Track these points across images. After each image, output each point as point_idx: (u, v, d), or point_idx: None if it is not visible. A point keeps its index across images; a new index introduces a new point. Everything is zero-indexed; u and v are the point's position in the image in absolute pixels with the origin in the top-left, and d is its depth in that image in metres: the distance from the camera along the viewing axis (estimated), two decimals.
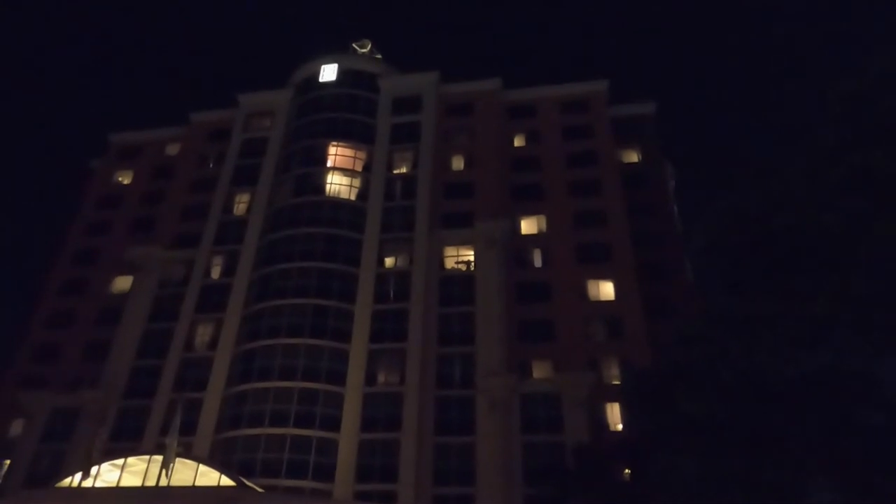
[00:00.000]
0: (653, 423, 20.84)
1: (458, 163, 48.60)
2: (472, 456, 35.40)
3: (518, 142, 50.07)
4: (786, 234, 15.02)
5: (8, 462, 40.71)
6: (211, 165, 53.12)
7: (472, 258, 42.83)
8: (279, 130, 52.31)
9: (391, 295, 41.63)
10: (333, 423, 37.00)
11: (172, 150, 56.22)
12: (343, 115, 50.07)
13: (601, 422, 36.06)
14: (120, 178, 55.82)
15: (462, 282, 41.89)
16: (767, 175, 17.17)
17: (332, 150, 48.33)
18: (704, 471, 16.10)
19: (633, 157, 49.68)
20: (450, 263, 43.20)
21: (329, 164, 47.66)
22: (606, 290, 41.05)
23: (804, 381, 14.23)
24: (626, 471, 27.92)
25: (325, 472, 35.39)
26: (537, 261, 43.19)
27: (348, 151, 48.49)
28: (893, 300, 13.12)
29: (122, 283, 48.10)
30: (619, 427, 35.57)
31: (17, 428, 42.67)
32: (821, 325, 13.95)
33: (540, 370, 38.75)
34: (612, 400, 36.02)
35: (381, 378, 38.92)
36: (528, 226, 45.10)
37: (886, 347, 13.52)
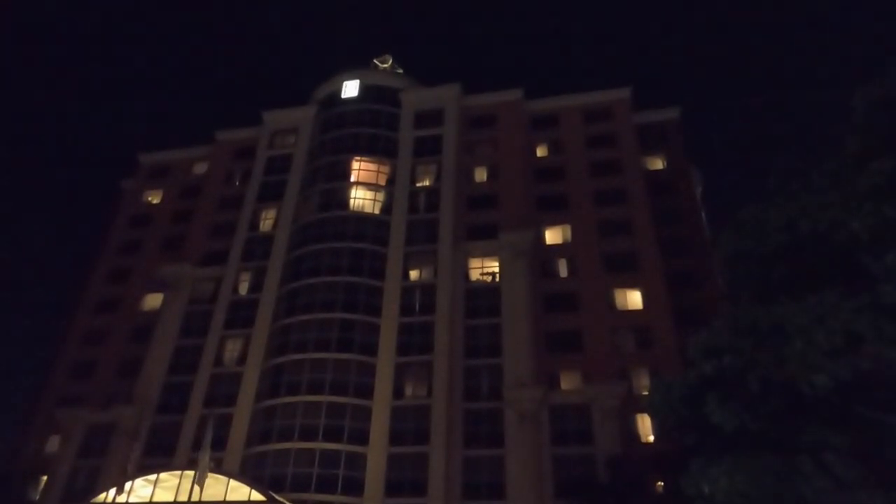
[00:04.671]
0: (683, 435, 20.43)
1: (481, 174, 48.63)
2: (502, 469, 35.05)
3: (541, 152, 49.94)
4: (813, 242, 14.71)
5: (45, 478, 41.52)
6: (237, 183, 54.00)
7: (497, 269, 42.68)
8: (303, 147, 52.98)
9: (417, 307, 41.65)
10: (362, 437, 37.01)
11: (200, 168, 57.33)
12: (366, 130, 50.56)
13: (632, 434, 35.45)
14: (149, 198, 57.03)
15: (488, 293, 41.74)
16: (794, 182, 16.86)
17: (355, 164, 48.78)
18: (738, 484, 15.72)
19: (658, 164, 49.18)
20: (475, 275, 43.11)
21: (353, 178, 48.10)
22: (634, 299, 40.51)
23: (839, 391, 13.84)
24: (659, 483, 27.42)
25: (355, 486, 35.36)
26: (563, 271, 42.85)
27: (371, 166, 48.90)
28: None
29: (153, 300, 48.97)
30: (651, 439, 34.94)
31: (53, 444, 43.55)
32: (850, 335, 13.58)
33: (568, 381, 38.29)
34: (643, 411, 35.40)
35: (408, 391, 38.86)
36: (553, 236, 44.82)
37: None
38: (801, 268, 15.20)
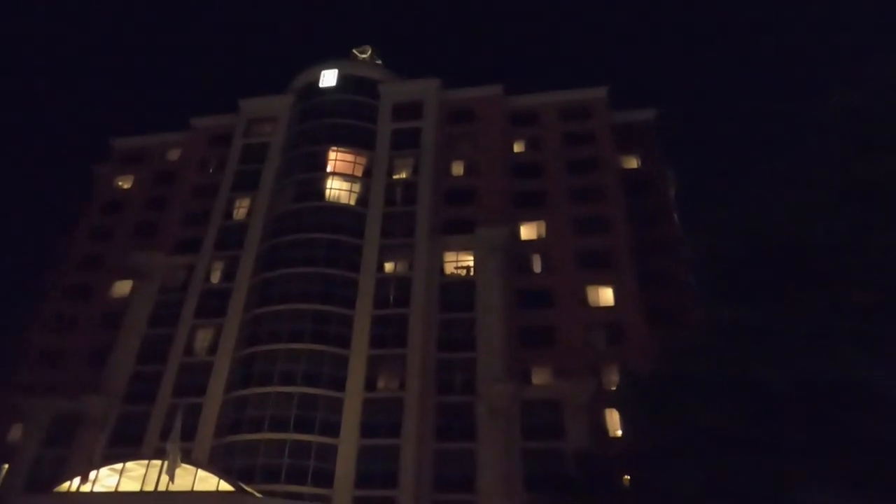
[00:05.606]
0: (653, 431, 20.80)
1: (458, 169, 48.68)
2: (473, 462, 35.25)
3: (519, 148, 50.16)
4: (786, 244, 15.04)
5: (6, 466, 40.68)
6: (212, 171, 53.28)
7: (472, 264, 42.84)
8: (280, 136, 52.47)
9: (391, 300, 41.64)
10: (333, 429, 36.94)
11: (174, 155, 56.43)
12: (344, 120, 50.24)
13: (601, 428, 35.93)
14: (122, 184, 55.99)
15: (463, 288, 41.89)
16: (769, 184, 17.19)
17: (332, 155, 48.48)
18: (704, 480, 16.07)
19: (633, 163, 49.75)
20: (450, 269, 43.22)
21: (330, 169, 47.80)
22: (607, 296, 41.00)
23: (805, 391, 14.20)
24: (626, 477, 27.82)
25: (325, 478, 35.30)
26: (538, 267, 43.16)
27: (349, 157, 48.64)
28: (892, 311, 13.11)
29: (123, 287, 48.15)
30: (619, 433, 35.45)
31: (16, 433, 42.64)
32: (820, 336, 13.94)
33: (541, 376, 38.66)
34: (613, 406, 35.92)
35: (381, 384, 38.88)
36: (528, 232, 45.10)
37: (886, 359, 13.49)
38: (773, 269, 15.54)
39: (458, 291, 41.78)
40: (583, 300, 40.92)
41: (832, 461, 14.16)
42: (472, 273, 42.43)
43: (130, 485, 31.23)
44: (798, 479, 14.71)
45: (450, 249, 43.76)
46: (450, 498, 34.23)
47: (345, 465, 35.73)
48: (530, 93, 52.69)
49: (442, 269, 43.09)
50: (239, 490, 29.67)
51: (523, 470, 34.64)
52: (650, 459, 20.63)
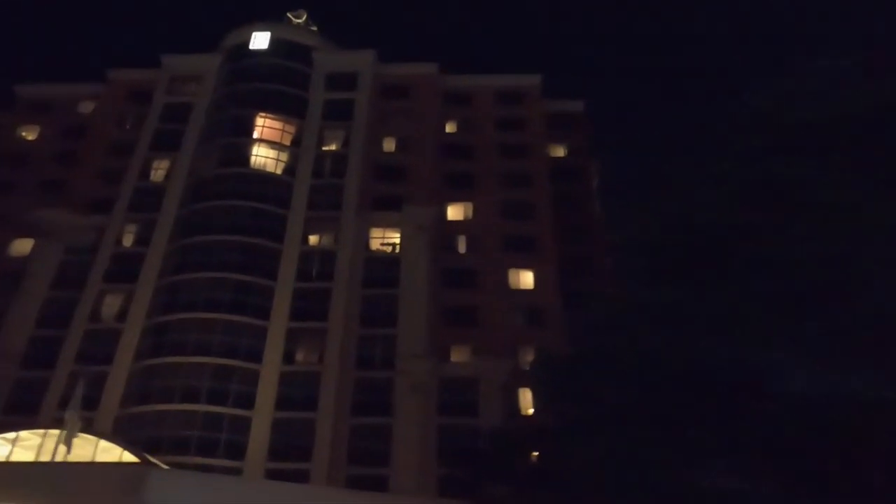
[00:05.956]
0: (563, 408, 21.69)
1: (390, 145, 48.25)
2: (389, 437, 35.60)
3: (451, 128, 50.26)
4: (699, 232, 15.88)
5: None
6: (128, 128, 50.31)
7: (398, 241, 42.80)
8: (205, 97, 50.12)
9: (315, 273, 41.05)
10: (248, 401, 36.24)
11: (86, 108, 52.77)
12: (274, 86, 48.53)
13: (516, 407, 37.10)
14: (25, 135, 51.90)
15: (388, 264, 41.82)
16: (687, 178, 18.05)
17: (260, 121, 46.86)
18: (610, 452, 16.93)
19: (561, 152, 50.99)
20: (376, 245, 43.02)
21: (257, 135, 46.21)
22: (528, 279, 42.12)
23: (708, 370, 15.17)
24: (534, 453, 28.87)
25: (238, 450, 34.65)
26: (463, 247, 43.69)
27: (277, 124, 47.16)
28: (787, 298, 14.17)
29: (23, 246, 44.80)
30: (532, 411, 36.72)
31: None
32: (724, 320, 14.88)
33: (460, 355, 39.35)
34: (528, 386, 37.09)
35: (299, 357, 38.43)
36: (456, 212, 45.48)
37: (778, 343, 14.61)
38: (686, 255, 16.39)
39: (383, 268, 41.68)
40: (505, 282, 41.84)
41: (724, 437, 15.26)
42: (397, 250, 42.41)
43: (24, 455, 29.49)
44: (695, 453, 15.78)
45: (377, 225, 43.49)
46: (364, 472, 34.44)
47: (258, 438, 35.19)
48: (466, 73, 52.77)
49: (368, 245, 42.81)
50: (144, 461, 28.61)
51: (438, 445, 35.33)
52: (559, 435, 21.56)
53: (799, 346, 14.45)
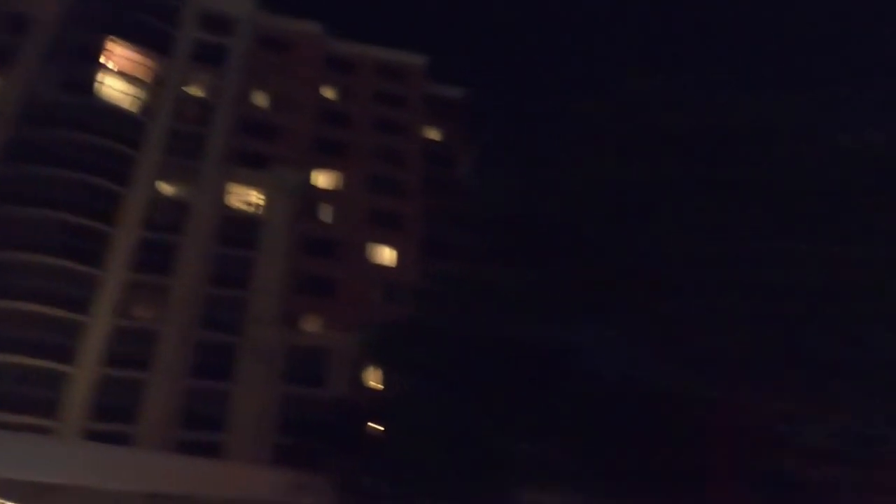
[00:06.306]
0: (395, 378, 22.51)
1: (263, 100, 45.90)
2: (228, 403, 34.41)
3: (330, 94, 48.92)
4: (548, 220, 16.86)
5: None
6: None
7: (262, 202, 41.07)
8: (49, 11, 44.01)
9: (164, 224, 38.17)
10: (69, 355, 33.02)
11: None
12: (137, 13, 43.84)
13: (361, 380, 37.52)
14: None
15: (247, 224, 40.04)
16: (539, 167, 19.03)
17: (117, 49, 42.22)
18: (439, 425, 17.82)
19: (437, 135, 51.67)
20: (237, 203, 40.95)
21: (112, 65, 41.64)
22: (389, 256, 42.54)
23: (526, 346, 16.33)
24: (372, 424, 29.48)
25: (54, 408, 31.53)
26: (328, 217, 43.00)
27: (138, 57, 42.78)
28: (609, 285, 15.54)
29: None
30: (379, 385, 37.39)
31: None
32: (558, 301, 16.09)
33: (312, 325, 38.90)
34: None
35: (136, 311, 35.70)
36: (325, 180, 44.57)
37: (587, 321, 16.13)
38: (535, 240, 17.35)
39: (242, 227, 39.85)
40: (366, 257, 41.90)
41: (542, 414, 16.59)
42: (260, 212, 40.71)
43: None
44: (510, 426, 17.04)
45: (240, 182, 41.36)
46: (198, 437, 33.03)
47: (80, 396, 32.27)
48: (353, 41, 51.54)
49: (228, 202, 40.62)
50: None
51: (283, 414, 34.84)
52: (396, 407, 22.31)
53: (610, 330, 16.08)
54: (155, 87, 42.46)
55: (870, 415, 15.56)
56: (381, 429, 29.39)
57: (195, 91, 43.87)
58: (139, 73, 42.44)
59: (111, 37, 42.09)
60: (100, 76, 40.84)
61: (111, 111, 40.14)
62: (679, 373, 16.04)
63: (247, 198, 41.28)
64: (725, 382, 15.41)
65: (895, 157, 14.58)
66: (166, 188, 39.81)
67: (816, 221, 13.96)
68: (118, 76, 41.46)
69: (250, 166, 41.73)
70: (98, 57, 41.34)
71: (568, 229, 15.52)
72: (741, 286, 13.84)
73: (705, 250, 14.04)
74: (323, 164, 44.73)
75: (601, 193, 15.43)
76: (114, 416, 32.34)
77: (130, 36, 42.87)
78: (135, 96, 41.53)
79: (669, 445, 16.06)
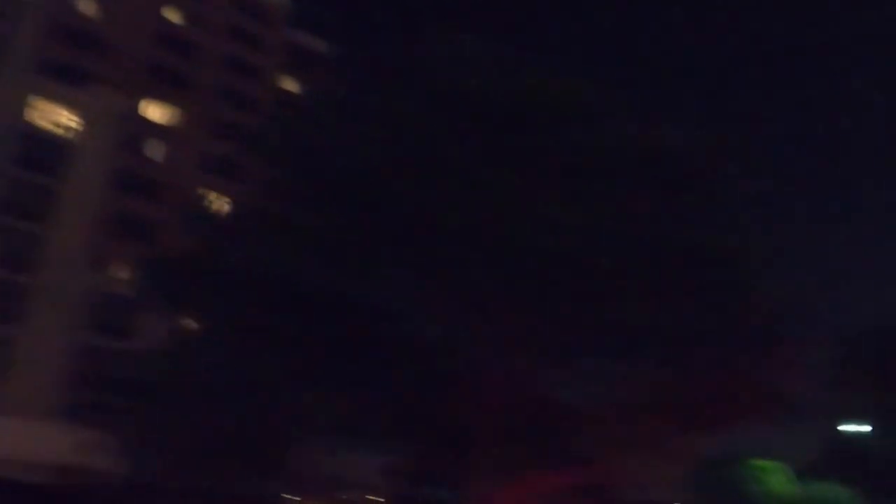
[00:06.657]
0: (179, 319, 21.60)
1: (90, 8, 39.84)
2: (13, 350, 30.83)
3: (176, 18, 43.78)
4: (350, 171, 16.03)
5: None
6: None
7: (75, 126, 36.04)
8: None
9: None
10: None
11: None
12: None
13: (179, 329, 34.96)
14: None
15: (55, 148, 35.10)
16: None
17: None
18: (231, 371, 17.08)
19: (294, 87, 48.55)
20: (44, 122, 35.54)
21: None
22: (220, 205, 39.71)
23: (324, 295, 15.87)
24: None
25: None
26: (157, 155, 39.00)
27: None
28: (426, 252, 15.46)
29: None
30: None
31: None
32: (352, 247, 15.60)
33: (123, 270, 35.33)
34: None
35: None
36: (157, 113, 40.28)
37: (382, 276, 15.96)
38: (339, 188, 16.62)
39: (48, 151, 34.93)
40: (193, 203, 38.71)
41: (332, 367, 16.41)
42: (70, 135, 35.70)
43: None
44: (303, 374, 16.68)
45: (50, 98, 35.93)
46: None
47: None
48: None
49: (32, 118, 35.14)
50: None
51: (79, 367, 31.79)
52: (191, 351, 21.06)
53: (404, 287, 16.15)
54: None
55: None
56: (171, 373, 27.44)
57: None
58: None
59: None
60: None
61: None
62: (462, 335, 16.46)
63: (56, 118, 35.93)
64: (503, 347, 16.23)
65: (686, 155, 15.90)
66: None
67: (589, 198, 14.73)
68: None
69: (65, 81, 36.30)
70: None
71: (371, 181, 15.05)
72: (515, 250, 14.05)
73: (484, 214, 14.05)
74: (156, 95, 40.30)
75: (400, 149, 15.25)
76: None
77: None
78: None
79: (446, 402, 16.57)
